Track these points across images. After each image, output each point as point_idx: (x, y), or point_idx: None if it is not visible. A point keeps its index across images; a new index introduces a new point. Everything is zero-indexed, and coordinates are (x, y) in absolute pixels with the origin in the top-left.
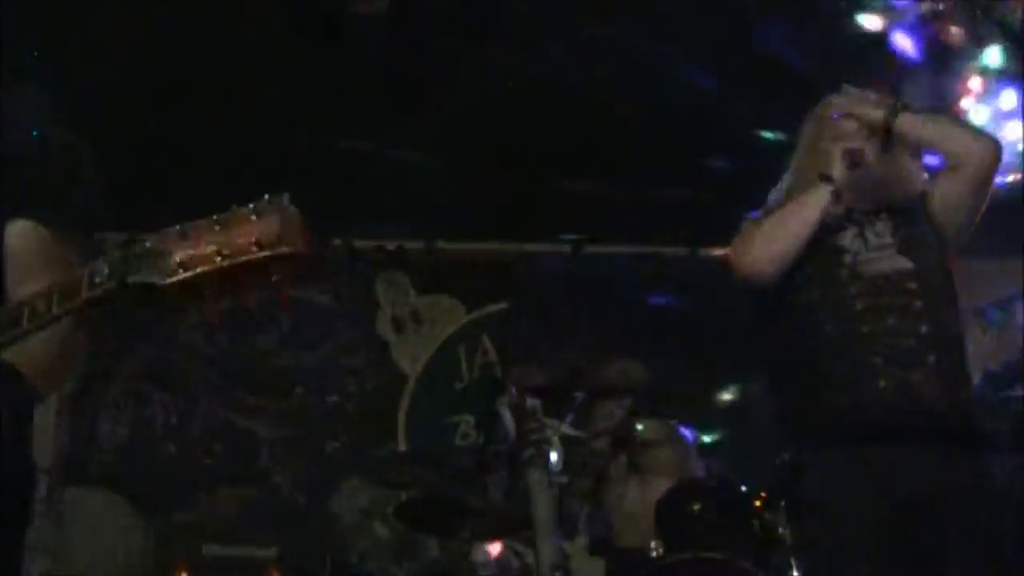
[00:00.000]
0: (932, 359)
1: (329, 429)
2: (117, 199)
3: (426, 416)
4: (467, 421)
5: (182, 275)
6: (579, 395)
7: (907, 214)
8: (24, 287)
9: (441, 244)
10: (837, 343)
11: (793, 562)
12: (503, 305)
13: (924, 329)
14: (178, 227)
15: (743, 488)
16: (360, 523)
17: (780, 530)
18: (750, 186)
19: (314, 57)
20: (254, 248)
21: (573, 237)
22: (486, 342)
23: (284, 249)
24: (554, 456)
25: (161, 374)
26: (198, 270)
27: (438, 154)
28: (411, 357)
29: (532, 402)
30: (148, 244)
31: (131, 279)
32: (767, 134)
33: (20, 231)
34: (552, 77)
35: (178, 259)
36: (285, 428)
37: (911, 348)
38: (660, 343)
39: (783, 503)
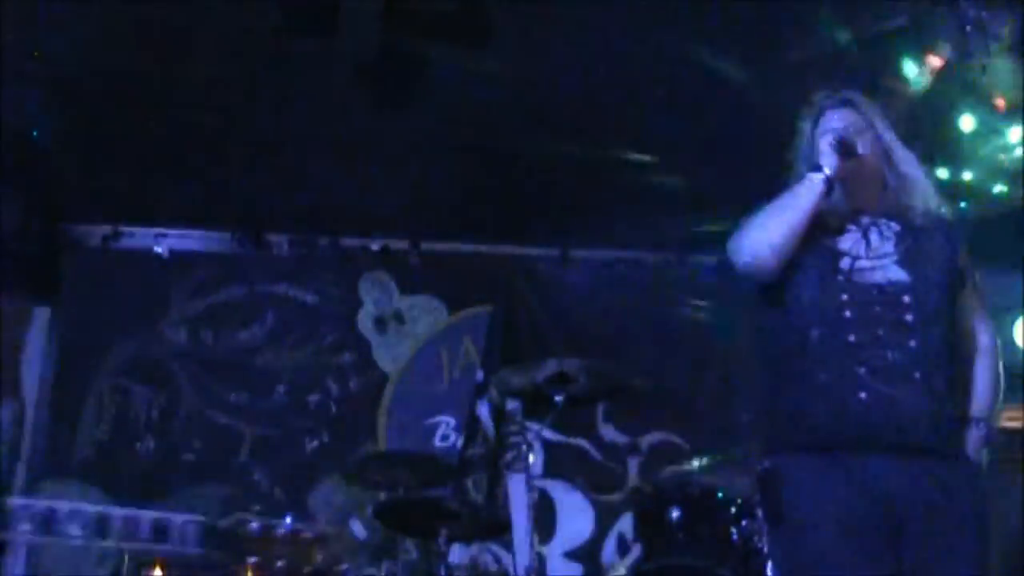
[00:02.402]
0: (917, 375)
1: (309, 428)
2: (93, 192)
3: (406, 416)
4: (447, 422)
5: None
6: (560, 399)
7: (918, 228)
8: None
9: (426, 245)
10: (822, 349)
11: (769, 569)
12: (486, 307)
13: (912, 344)
14: None
15: (721, 495)
16: (337, 522)
17: (756, 539)
18: (736, 191)
19: (304, 52)
20: None
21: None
22: (468, 344)
23: None
24: (532, 459)
25: (143, 369)
26: None
27: (426, 155)
28: (393, 357)
29: (513, 405)
30: None
31: None
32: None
33: None
34: (543, 79)
35: None
36: (266, 426)
37: (897, 362)
38: (645, 348)
39: (760, 510)
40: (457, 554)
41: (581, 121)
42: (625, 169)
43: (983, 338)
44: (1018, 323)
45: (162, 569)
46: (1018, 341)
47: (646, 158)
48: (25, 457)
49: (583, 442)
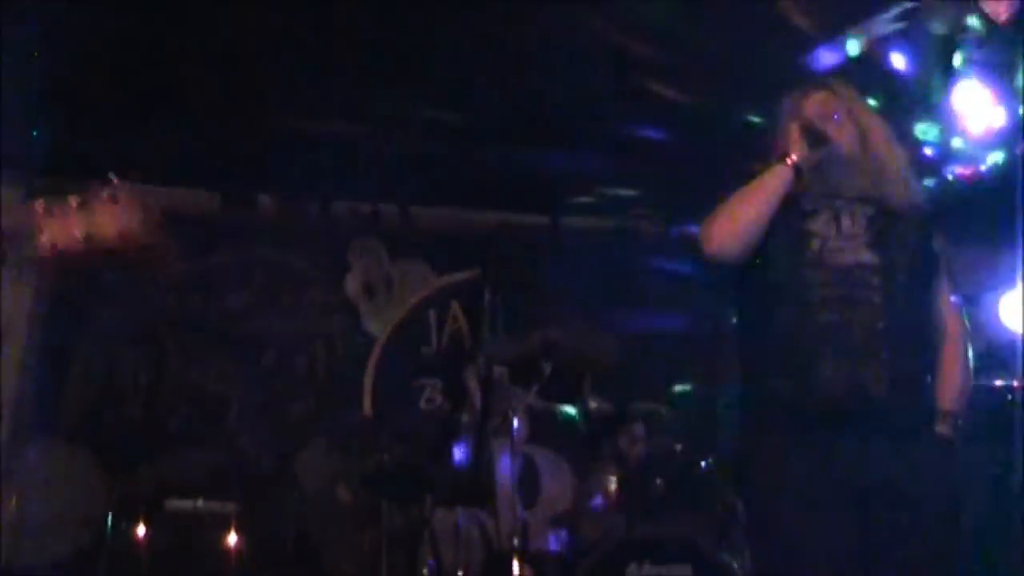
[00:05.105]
0: (886, 356)
1: (297, 393)
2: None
3: (392, 379)
4: (433, 385)
5: (51, 255)
6: (547, 367)
7: (892, 212)
8: None
9: (416, 210)
10: (792, 329)
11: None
12: (476, 273)
13: (880, 325)
14: (43, 201)
15: (704, 465)
16: (323, 488)
17: (736, 510)
18: (725, 164)
19: (295, 19)
20: (118, 240)
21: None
22: (456, 309)
23: (144, 242)
24: (518, 426)
25: (131, 334)
26: (65, 253)
27: (417, 119)
28: (381, 322)
29: (499, 372)
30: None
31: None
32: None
33: None
34: (538, 43)
35: (47, 239)
36: (254, 391)
37: (864, 342)
38: (631, 317)
39: (736, 482)
40: (441, 520)
41: (578, 89)
42: (615, 137)
43: (955, 325)
44: (1003, 300)
45: None
46: (1004, 319)
47: (638, 126)
48: (8, 420)
49: (569, 410)
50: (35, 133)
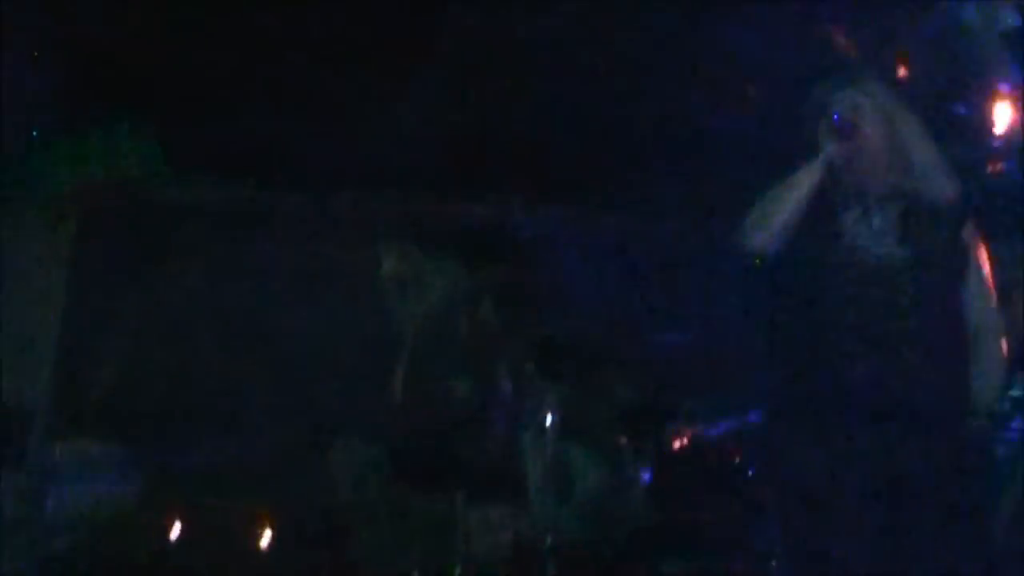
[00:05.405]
0: (916, 351)
1: (327, 383)
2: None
3: (422, 375)
4: (463, 382)
5: None
6: (575, 361)
7: (922, 208)
8: None
9: (447, 207)
10: (824, 325)
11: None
12: (506, 266)
13: (913, 321)
14: None
15: (736, 458)
16: (353, 479)
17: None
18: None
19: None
20: None
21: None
22: (487, 305)
23: None
24: (549, 419)
25: (160, 320)
26: None
27: (445, 113)
28: (410, 317)
29: (530, 366)
30: None
31: None
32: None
33: None
34: (556, 35)
35: None
36: (283, 380)
37: (896, 337)
38: (658, 312)
39: (766, 472)
40: (472, 513)
41: (582, 84)
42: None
43: (988, 320)
44: None
45: None
46: None
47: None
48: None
49: (598, 402)
50: (35, 134)
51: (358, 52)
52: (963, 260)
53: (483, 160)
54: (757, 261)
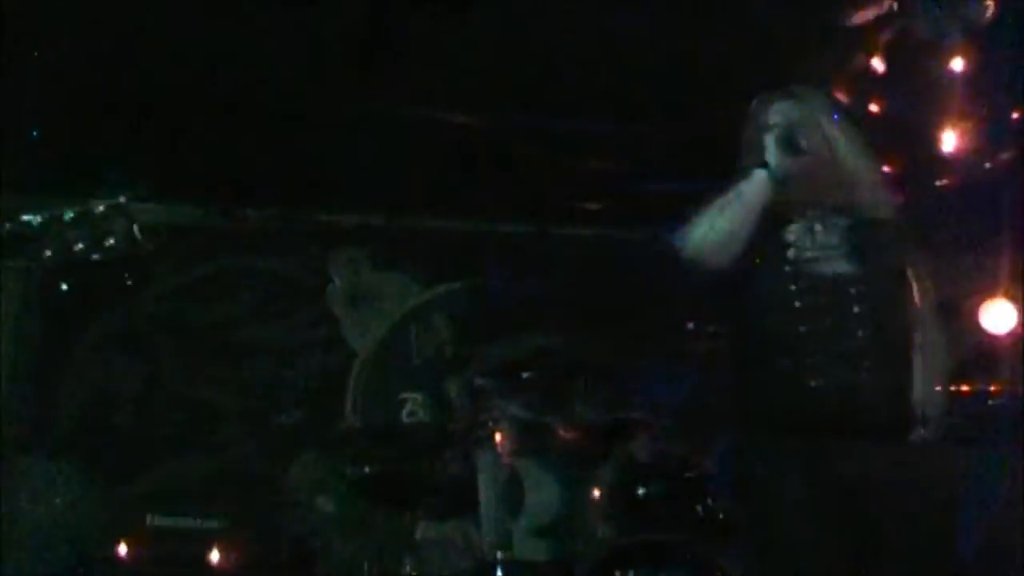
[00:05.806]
0: (867, 363)
1: (286, 403)
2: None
3: (376, 391)
4: (415, 399)
5: None
6: (534, 376)
7: (865, 222)
8: None
9: (400, 221)
10: (778, 338)
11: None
12: (459, 284)
13: (861, 333)
14: None
15: (693, 472)
16: (312, 498)
17: (722, 515)
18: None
19: (285, 24)
20: None
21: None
22: (440, 320)
23: None
24: (501, 436)
25: (125, 342)
26: None
27: (403, 130)
28: (363, 333)
29: (484, 382)
30: None
31: None
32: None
33: None
34: (531, 50)
35: None
36: (245, 400)
37: (847, 350)
38: (621, 326)
39: (728, 488)
40: (426, 530)
41: (561, 95)
42: (604, 145)
43: (929, 334)
44: (985, 307)
45: None
46: (985, 324)
47: (628, 135)
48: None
49: (555, 420)
50: (35, 133)
51: (316, 72)
52: (906, 274)
53: (443, 175)
54: (703, 273)
